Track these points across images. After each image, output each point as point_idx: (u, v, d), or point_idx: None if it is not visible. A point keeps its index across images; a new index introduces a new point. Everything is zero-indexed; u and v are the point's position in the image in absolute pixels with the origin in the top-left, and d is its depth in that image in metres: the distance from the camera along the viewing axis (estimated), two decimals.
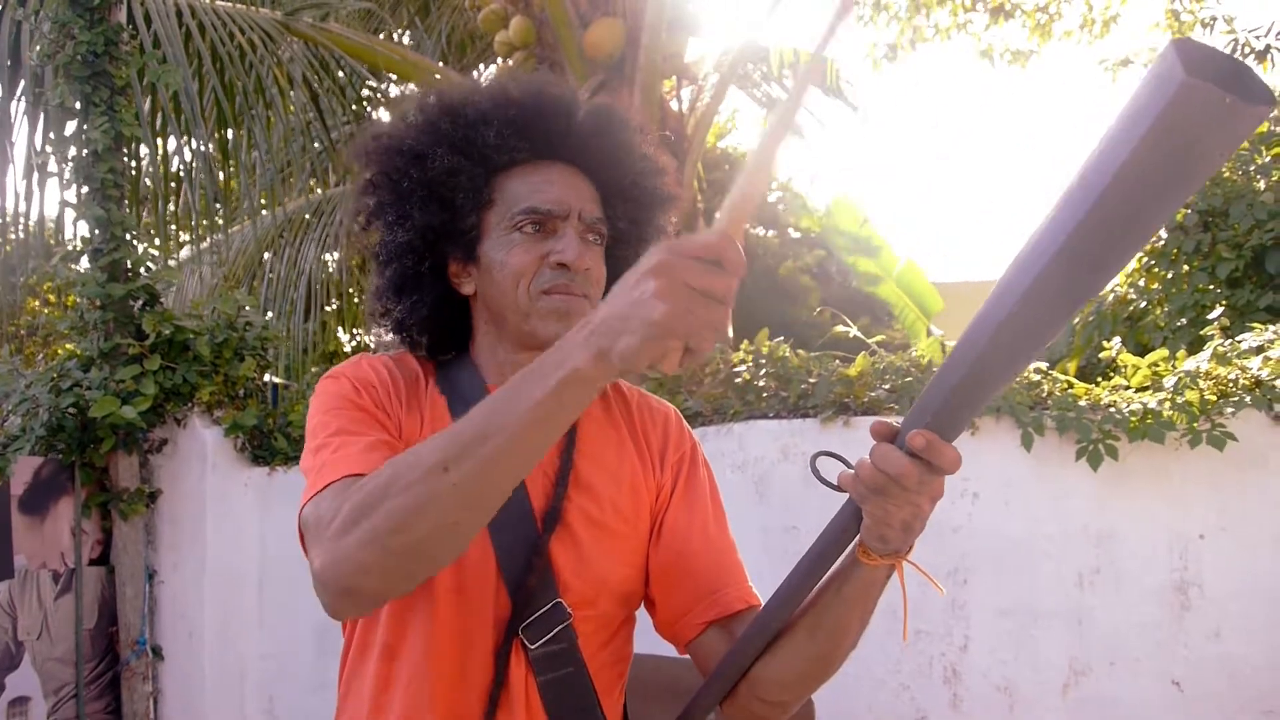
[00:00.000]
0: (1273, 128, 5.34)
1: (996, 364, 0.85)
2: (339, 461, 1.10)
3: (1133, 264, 5.34)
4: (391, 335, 1.33)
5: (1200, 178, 0.70)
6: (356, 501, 0.97)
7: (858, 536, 1.02)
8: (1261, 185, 4.84)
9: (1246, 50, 7.00)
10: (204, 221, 6.35)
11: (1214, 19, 7.72)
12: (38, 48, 4.07)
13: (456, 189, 1.24)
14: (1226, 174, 4.99)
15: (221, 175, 6.16)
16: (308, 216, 7.34)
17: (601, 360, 0.84)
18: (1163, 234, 4.99)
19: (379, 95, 7.08)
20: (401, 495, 0.93)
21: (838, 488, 1.00)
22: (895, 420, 0.96)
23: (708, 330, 0.81)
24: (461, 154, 1.24)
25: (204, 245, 6.76)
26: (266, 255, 7.54)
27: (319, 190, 7.39)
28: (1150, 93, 0.66)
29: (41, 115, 4.41)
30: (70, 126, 3.99)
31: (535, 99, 1.27)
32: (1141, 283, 5.27)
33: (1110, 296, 5.47)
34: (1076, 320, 5.58)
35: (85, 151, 3.93)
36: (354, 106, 6.24)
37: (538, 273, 1.21)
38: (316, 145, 6.26)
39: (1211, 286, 4.74)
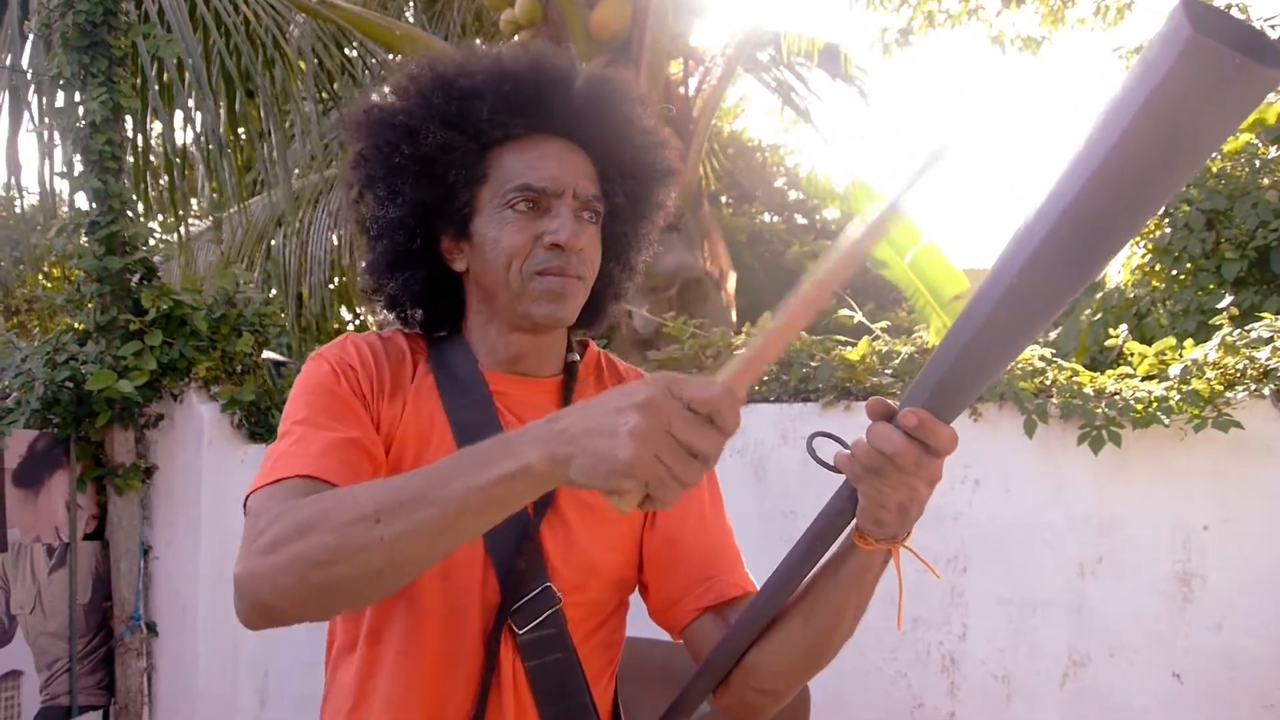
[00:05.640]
0: None
1: (996, 342, 0.81)
2: (295, 456, 1.08)
3: (1137, 261, 5.28)
4: (384, 311, 1.31)
5: (1211, 144, 0.67)
6: (288, 524, 0.95)
7: (854, 520, 0.99)
8: (1266, 183, 4.77)
9: None
10: (212, 196, 6.31)
11: (1229, 7, 7.65)
12: (37, 16, 4.02)
13: (449, 165, 1.20)
14: (1230, 170, 4.93)
15: (228, 150, 6.11)
16: (319, 192, 7.30)
17: (556, 467, 0.83)
18: (1167, 231, 4.92)
19: (385, 72, 7.04)
20: (329, 533, 0.92)
21: (834, 468, 0.97)
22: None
23: (674, 485, 0.79)
24: (454, 129, 1.20)
25: (206, 223, 6.72)
26: (275, 238, 7.50)
27: (329, 167, 7.32)
28: (1157, 52, 0.62)
29: (41, 85, 4.37)
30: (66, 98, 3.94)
31: (531, 72, 1.23)
32: (1146, 281, 5.22)
33: (1115, 295, 5.41)
34: (1083, 317, 5.52)
35: (83, 123, 3.89)
36: (364, 82, 6.18)
37: (531, 253, 1.18)
38: (323, 119, 6.20)
39: (1213, 286, 4.69)
